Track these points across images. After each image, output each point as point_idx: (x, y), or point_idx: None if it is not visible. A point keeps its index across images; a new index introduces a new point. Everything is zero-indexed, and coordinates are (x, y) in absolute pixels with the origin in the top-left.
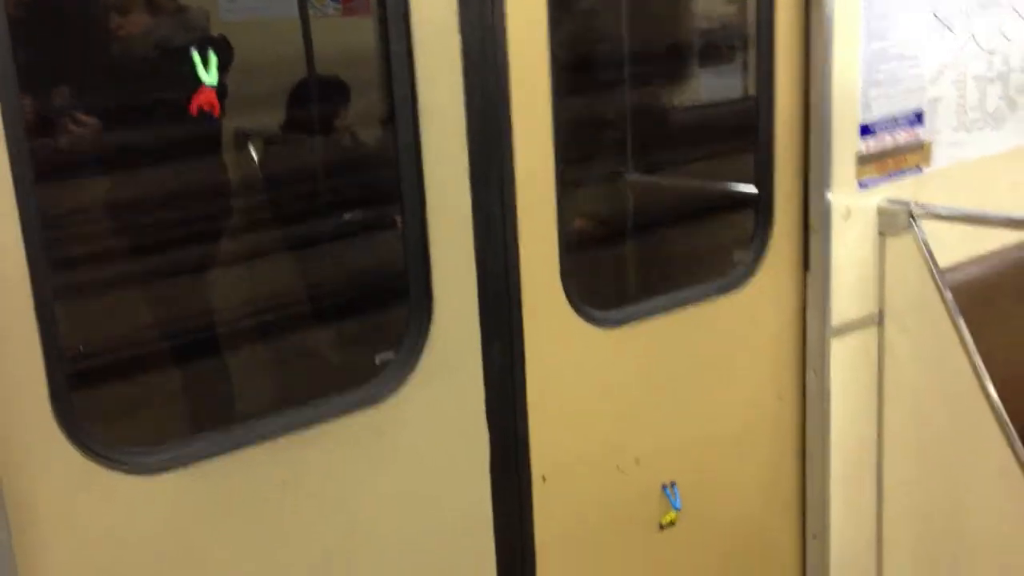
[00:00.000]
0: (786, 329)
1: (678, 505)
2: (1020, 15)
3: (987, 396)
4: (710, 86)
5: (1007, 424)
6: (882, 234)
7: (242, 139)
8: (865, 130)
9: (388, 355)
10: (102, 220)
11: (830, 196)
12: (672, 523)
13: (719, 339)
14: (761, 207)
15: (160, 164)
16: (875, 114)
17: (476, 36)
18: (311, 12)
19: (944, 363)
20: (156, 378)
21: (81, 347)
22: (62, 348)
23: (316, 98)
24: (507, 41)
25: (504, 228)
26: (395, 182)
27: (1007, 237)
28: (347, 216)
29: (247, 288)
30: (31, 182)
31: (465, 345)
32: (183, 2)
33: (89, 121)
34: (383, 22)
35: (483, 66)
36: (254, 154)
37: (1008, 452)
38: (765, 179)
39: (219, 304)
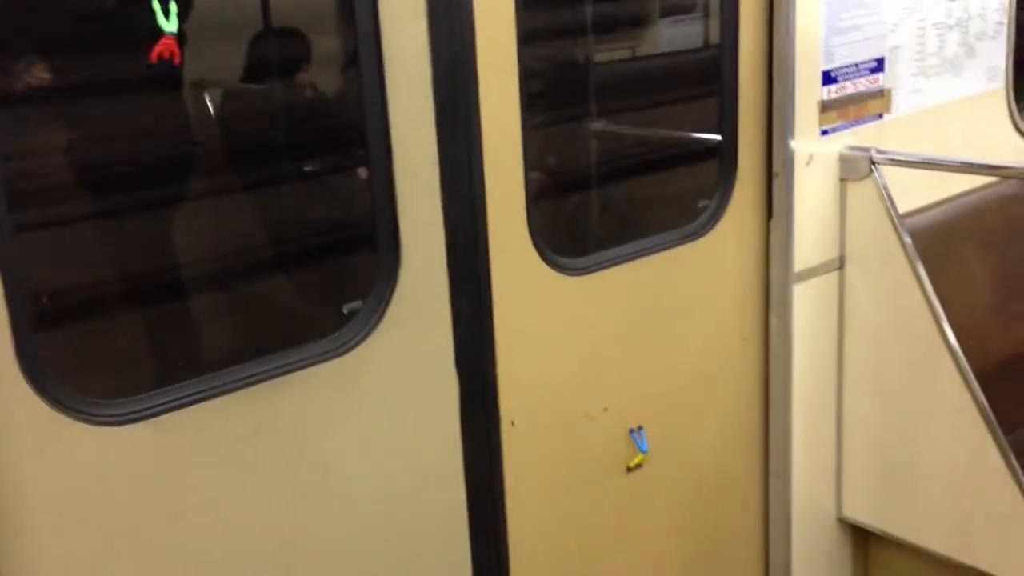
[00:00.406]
0: (749, 274)
1: (644, 448)
2: None
3: (944, 337)
4: (674, 35)
5: (963, 364)
6: (843, 180)
7: (198, 90)
8: (827, 78)
9: (356, 304)
10: (63, 168)
11: (793, 143)
12: (639, 466)
13: (684, 285)
14: (725, 154)
15: (120, 111)
16: (837, 62)
17: None
18: None
19: (903, 306)
20: (120, 328)
21: (45, 298)
22: (26, 299)
23: (273, 46)
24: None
25: (470, 176)
26: (359, 132)
27: (965, 183)
28: (308, 167)
29: (211, 238)
30: None
31: (433, 292)
32: None
33: (42, 73)
34: None
35: (448, 13)
36: (210, 105)
37: (964, 390)
38: (729, 126)
39: (182, 255)
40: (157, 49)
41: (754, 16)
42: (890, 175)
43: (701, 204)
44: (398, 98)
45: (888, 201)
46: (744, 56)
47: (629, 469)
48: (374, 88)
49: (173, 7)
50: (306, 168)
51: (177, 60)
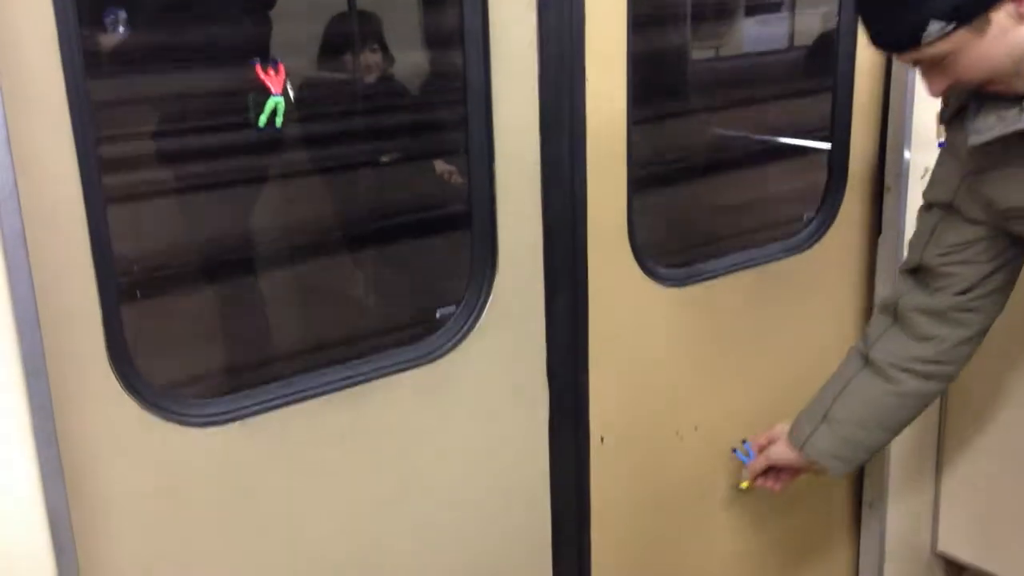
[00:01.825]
0: (854, 293)
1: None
2: None
3: None
4: (782, 33)
5: None
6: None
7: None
8: None
9: (449, 309)
10: (152, 159)
11: (908, 155)
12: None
13: (785, 301)
14: (834, 164)
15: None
16: None
17: None
18: None
19: (1018, 330)
20: (212, 326)
21: (138, 293)
22: (119, 295)
23: (354, 35)
24: None
25: (573, 179)
26: (462, 126)
27: None
28: (385, 159)
29: (305, 237)
30: (88, 116)
31: (528, 299)
32: None
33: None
34: None
35: (559, 5)
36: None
37: None
38: (840, 134)
39: (277, 255)
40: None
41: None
42: None
43: (807, 216)
44: (503, 91)
45: None
46: (860, 60)
47: (741, 490)
48: (479, 80)
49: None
50: (405, 163)
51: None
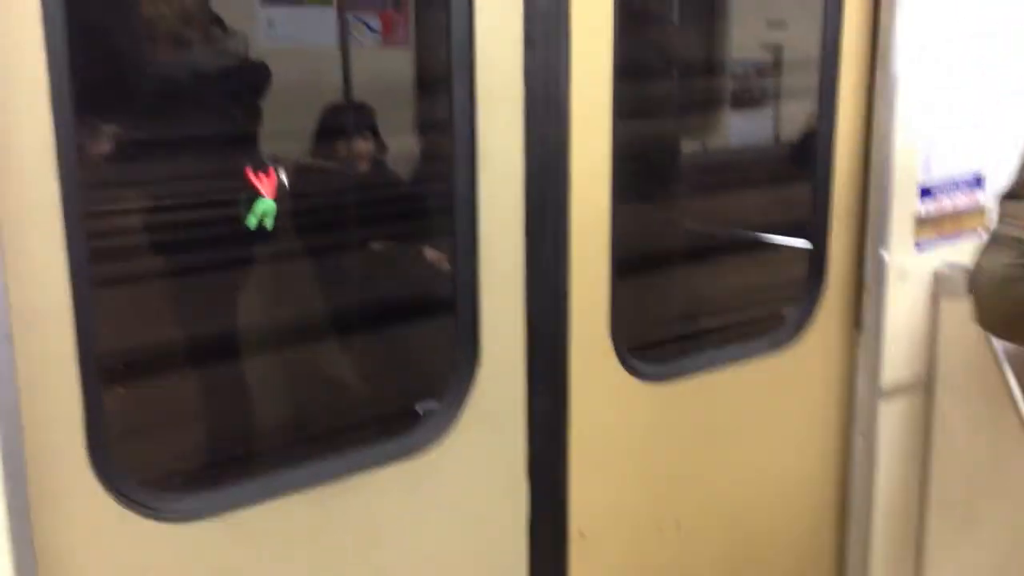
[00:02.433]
0: (834, 389)
1: None
2: None
3: None
4: (762, 128)
5: None
6: (938, 297)
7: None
8: (924, 191)
9: (430, 403)
10: (138, 251)
11: (886, 256)
12: None
13: (766, 397)
14: (813, 262)
15: (195, 183)
16: (935, 176)
17: (540, 83)
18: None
19: (997, 429)
20: (190, 421)
21: (119, 390)
22: (101, 391)
23: (348, 125)
24: (570, 90)
25: (556, 278)
26: (448, 226)
27: None
28: (391, 256)
29: (284, 326)
30: (76, 203)
31: (510, 394)
32: (223, 27)
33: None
34: (448, 73)
35: (545, 114)
36: (284, 179)
37: None
38: (820, 236)
39: (253, 346)
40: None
41: (852, 122)
42: None
43: (786, 312)
44: (489, 195)
45: None
46: (840, 163)
47: None
48: (466, 185)
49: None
50: (389, 256)
51: None
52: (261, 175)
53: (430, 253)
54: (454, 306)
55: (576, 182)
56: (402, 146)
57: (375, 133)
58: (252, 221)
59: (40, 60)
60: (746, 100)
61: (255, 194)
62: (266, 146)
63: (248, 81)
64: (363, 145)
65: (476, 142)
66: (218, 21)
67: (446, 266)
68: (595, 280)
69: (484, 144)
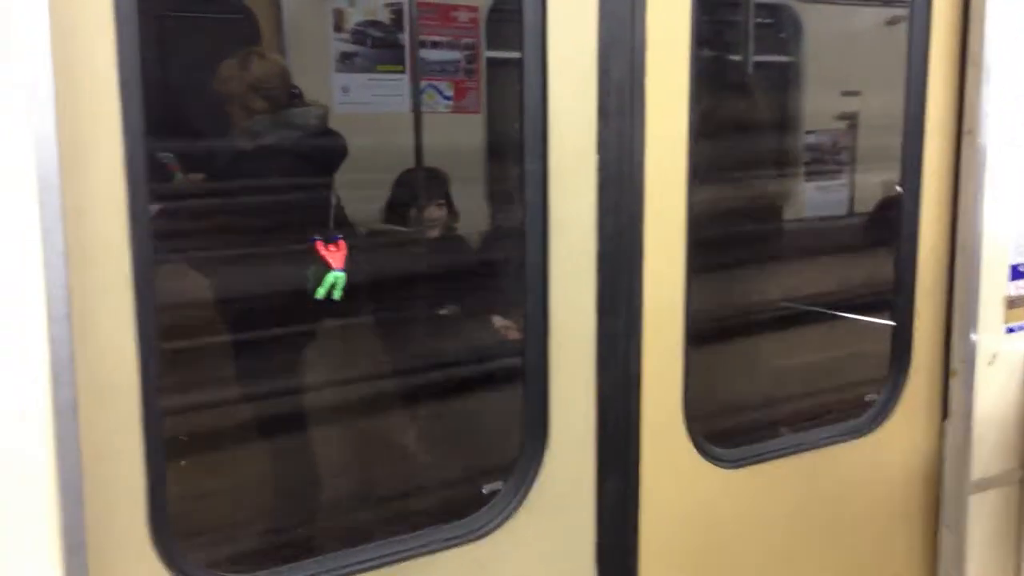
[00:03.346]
0: (919, 480)
1: None
2: None
3: None
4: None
5: None
6: None
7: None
8: (1016, 272)
9: (496, 485)
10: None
11: (975, 339)
12: None
13: (846, 486)
14: (898, 346)
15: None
16: None
17: (614, 156)
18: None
19: None
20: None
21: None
22: (164, 467)
23: (420, 191)
24: (645, 162)
25: (628, 358)
26: (520, 300)
27: None
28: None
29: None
30: (148, 288)
31: (579, 477)
32: (303, 97)
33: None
34: (520, 144)
35: (619, 187)
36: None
37: None
38: (904, 316)
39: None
40: None
41: (937, 196)
42: None
43: (868, 398)
44: (560, 268)
45: None
46: (925, 242)
47: None
48: (538, 257)
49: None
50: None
51: None
52: (331, 247)
53: (498, 321)
54: (523, 383)
55: (649, 256)
56: (474, 213)
57: (448, 200)
58: (320, 292)
59: (116, 134)
60: (828, 170)
61: (325, 265)
62: (338, 214)
63: (324, 154)
64: (436, 212)
65: (548, 213)
66: (296, 94)
67: (514, 334)
68: (668, 359)
69: (556, 215)
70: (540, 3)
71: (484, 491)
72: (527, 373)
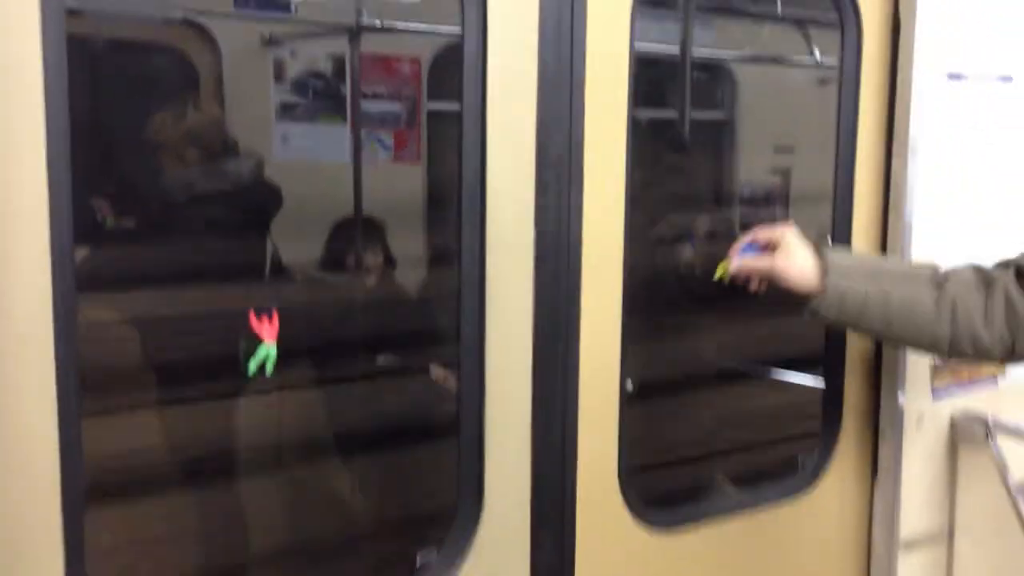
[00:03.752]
0: (851, 539)
1: None
2: None
3: None
4: None
5: None
6: (955, 446)
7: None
8: None
9: (430, 553)
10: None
11: (903, 402)
12: None
13: (780, 547)
14: (828, 406)
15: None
16: None
17: (551, 227)
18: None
19: None
20: None
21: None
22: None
23: (358, 238)
24: (582, 232)
25: (564, 422)
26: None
27: None
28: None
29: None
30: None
31: (514, 544)
32: (238, 148)
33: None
34: (458, 215)
35: (556, 258)
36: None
37: None
38: (835, 377)
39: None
40: None
41: None
42: (1007, 444)
43: (800, 458)
44: (497, 335)
45: (1004, 471)
46: None
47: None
48: (474, 325)
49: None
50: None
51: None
52: (264, 318)
53: (436, 372)
54: (457, 449)
55: (586, 322)
56: (413, 262)
57: (384, 248)
58: (252, 367)
59: (41, 181)
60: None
61: (256, 339)
62: (274, 263)
63: (258, 204)
64: (372, 259)
65: (485, 284)
66: (230, 142)
67: (452, 385)
68: (604, 423)
69: (493, 286)
70: (480, 79)
71: (418, 562)
72: (461, 439)
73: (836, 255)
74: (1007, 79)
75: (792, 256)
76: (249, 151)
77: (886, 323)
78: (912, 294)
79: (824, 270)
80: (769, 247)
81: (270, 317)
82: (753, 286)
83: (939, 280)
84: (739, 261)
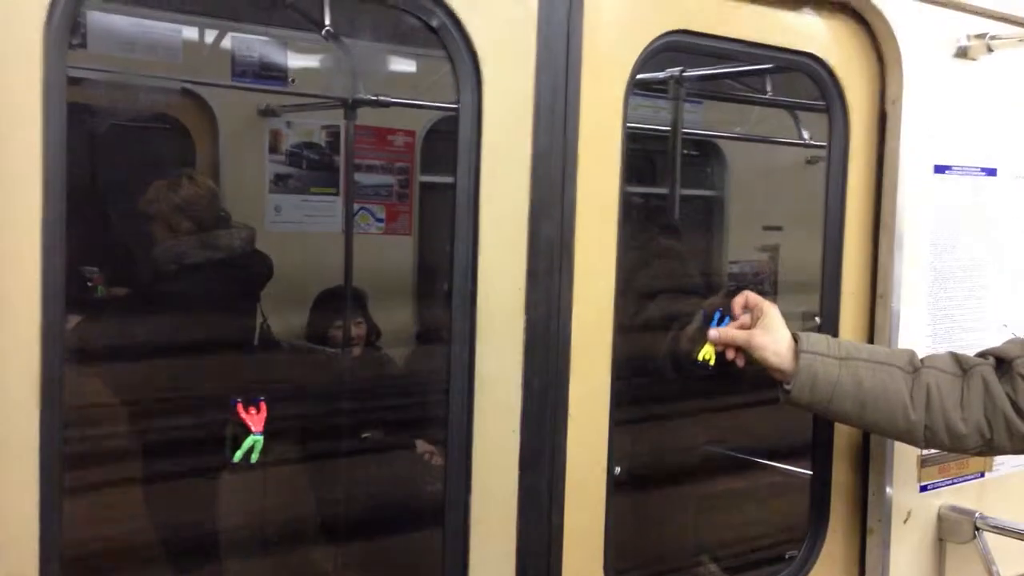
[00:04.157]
0: None
1: None
2: None
3: None
4: None
5: None
6: (942, 540)
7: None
8: None
9: None
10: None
11: (891, 497)
12: None
13: None
14: (816, 502)
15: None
16: None
17: (542, 315)
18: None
19: None
20: None
21: None
22: None
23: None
24: (572, 322)
25: (551, 514)
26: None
27: None
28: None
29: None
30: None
31: None
32: (230, 219)
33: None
34: (448, 301)
35: (546, 346)
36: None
37: None
38: (823, 472)
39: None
40: None
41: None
42: (994, 540)
43: (789, 555)
44: (483, 423)
45: (992, 569)
46: None
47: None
48: (461, 416)
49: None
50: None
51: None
52: (251, 409)
53: (422, 445)
54: (442, 538)
55: (574, 412)
56: (401, 331)
57: (367, 317)
58: (238, 456)
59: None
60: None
61: (243, 428)
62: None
63: (249, 274)
64: (355, 330)
65: (474, 371)
66: (223, 216)
67: (438, 460)
68: (591, 515)
69: (482, 372)
70: (474, 169)
71: None
72: (446, 528)
73: (811, 336)
74: (991, 172)
75: (770, 332)
76: (239, 223)
77: (859, 407)
78: (885, 379)
79: (798, 351)
80: (753, 316)
81: (257, 407)
82: (730, 356)
83: (915, 366)
84: (716, 333)
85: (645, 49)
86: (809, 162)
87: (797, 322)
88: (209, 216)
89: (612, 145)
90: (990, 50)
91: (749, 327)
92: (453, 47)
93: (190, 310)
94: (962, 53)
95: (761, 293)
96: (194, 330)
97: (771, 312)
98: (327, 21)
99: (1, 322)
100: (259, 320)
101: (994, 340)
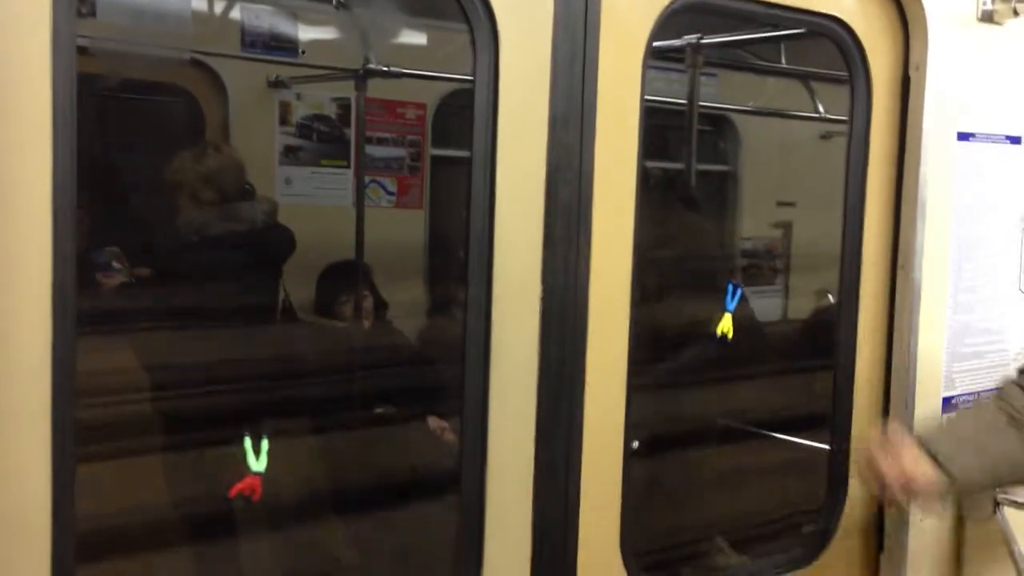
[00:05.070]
0: None
1: None
2: None
3: None
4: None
5: None
6: (963, 517)
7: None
8: (947, 404)
9: None
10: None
11: None
12: None
13: None
14: (833, 475)
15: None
16: (958, 389)
17: (559, 283)
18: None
19: None
20: None
21: None
22: None
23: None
24: (589, 289)
25: (567, 486)
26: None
27: None
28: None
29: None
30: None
31: None
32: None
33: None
34: (465, 268)
35: (562, 314)
36: None
37: None
38: (839, 446)
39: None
40: (239, 487)
41: (873, 335)
42: (1014, 515)
43: (807, 528)
44: (499, 393)
45: (1012, 543)
46: (860, 374)
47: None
48: (477, 383)
49: (264, 446)
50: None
51: (256, 498)
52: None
53: (433, 422)
54: (458, 512)
55: (591, 382)
56: (413, 306)
57: (373, 290)
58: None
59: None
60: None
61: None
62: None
63: (271, 247)
64: (363, 302)
65: (490, 340)
66: (248, 188)
67: (450, 436)
68: (608, 487)
69: (498, 342)
70: (491, 133)
71: None
72: (462, 502)
73: (936, 441)
74: (1016, 140)
75: (915, 461)
76: (263, 195)
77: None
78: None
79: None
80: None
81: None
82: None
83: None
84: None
85: (665, 9)
86: (824, 137)
87: (810, 298)
88: (234, 188)
89: (631, 109)
90: (1016, 14)
91: None
92: (470, 7)
93: (216, 285)
94: (987, 17)
95: (773, 270)
96: (223, 304)
97: (900, 437)
98: None
99: (11, 293)
100: (281, 296)
101: (1017, 311)
